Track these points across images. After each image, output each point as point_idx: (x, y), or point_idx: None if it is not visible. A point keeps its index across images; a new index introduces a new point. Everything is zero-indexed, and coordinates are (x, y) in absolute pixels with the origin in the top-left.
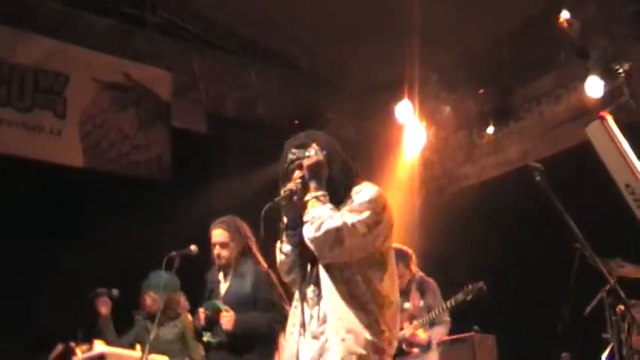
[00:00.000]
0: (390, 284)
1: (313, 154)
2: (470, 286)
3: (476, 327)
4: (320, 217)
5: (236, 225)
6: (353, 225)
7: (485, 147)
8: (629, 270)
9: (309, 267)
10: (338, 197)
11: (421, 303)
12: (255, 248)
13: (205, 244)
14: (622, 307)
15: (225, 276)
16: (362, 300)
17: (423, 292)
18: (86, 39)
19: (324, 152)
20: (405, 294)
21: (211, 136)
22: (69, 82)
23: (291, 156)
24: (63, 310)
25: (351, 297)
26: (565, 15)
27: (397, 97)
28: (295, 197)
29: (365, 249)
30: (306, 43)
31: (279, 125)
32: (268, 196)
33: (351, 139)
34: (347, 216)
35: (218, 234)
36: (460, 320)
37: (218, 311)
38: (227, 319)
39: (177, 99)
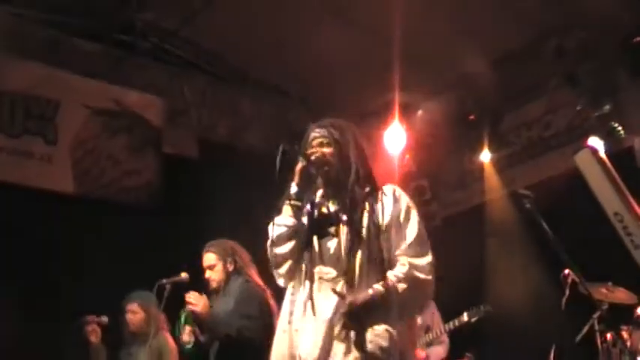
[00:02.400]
0: None
1: None
2: (475, 308)
3: (468, 354)
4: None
5: (225, 247)
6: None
7: (476, 172)
8: (621, 295)
9: (318, 244)
10: (351, 184)
11: (419, 321)
12: (248, 266)
13: (196, 270)
14: (614, 334)
15: (216, 297)
16: None
17: (422, 313)
18: (77, 65)
19: (336, 146)
20: None
21: (202, 161)
22: (60, 108)
23: (314, 133)
24: (54, 336)
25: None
26: (555, 43)
27: (387, 124)
28: (314, 162)
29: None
30: (296, 71)
31: (269, 151)
32: (259, 221)
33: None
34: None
35: (206, 258)
36: (452, 345)
37: (188, 318)
38: (196, 296)
39: (168, 125)
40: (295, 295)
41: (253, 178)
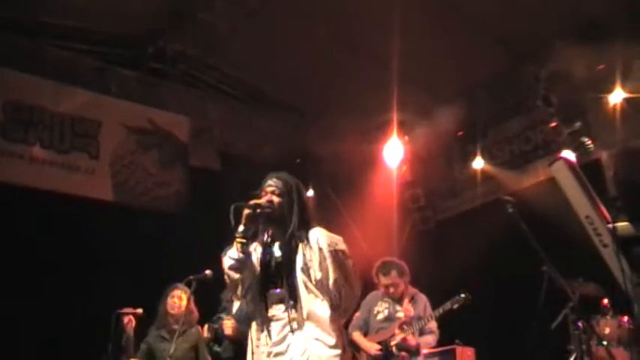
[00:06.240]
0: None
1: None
2: (457, 297)
3: (457, 340)
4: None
5: None
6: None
7: (465, 182)
8: (590, 289)
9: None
10: (290, 232)
11: (412, 312)
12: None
13: (218, 268)
14: (584, 323)
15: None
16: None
17: (414, 304)
18: (117, 90)
19: (284, 196)
20: (398, 302)
21: (224, 173)
22: (102, 127)
23: (270, 182)
24: (95, 326)
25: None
26: (532, 68)
27: (387, 140)
28: (259, 210)
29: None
30: (307, 92)
31: (283, 163)
32: None
33: (347, 175)
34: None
35: (226, 261)
36: (444, 333)
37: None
38: (227, 325)
39: (194, 141)
40: (259, 329)
41: None
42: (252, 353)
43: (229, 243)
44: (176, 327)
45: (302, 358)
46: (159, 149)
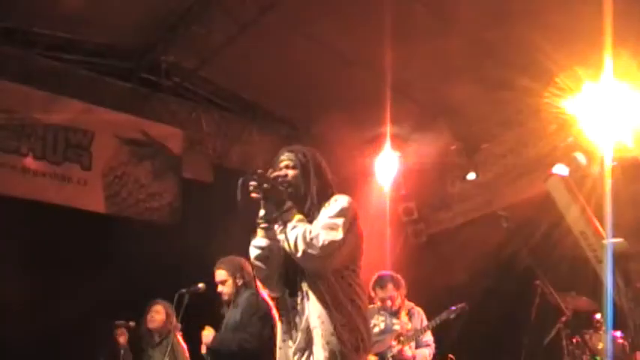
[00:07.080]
0: (361, 290)
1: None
2: (453, 307)
3: (451, 356)
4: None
5: (234, 263)
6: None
7: (457, 196)
8: (583, 303)
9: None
10: (310, 207)
11: (409, 325)
12: (256, 280)
13: (210, 280)
14: (577, 338)
15: (229, 308)
16: (342, 304)
17: (411, 317)
18: (110, 101)
19: (300, 169)
20: (394, 315)
21: (217, 185)
22: (94, 138)
23: (282, 157)
24: (86, 338)
25: (333, 302)
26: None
27: (382, 152)
28: (280, 180)
29: (341, 253)
30: (300, 105)
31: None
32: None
33: (340, 188)
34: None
35: (218, 274)
36: (436, 349)
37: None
38: (206, 334)
39: (187, 153)
40: (284, 322)
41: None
42: (279, 348)
43: (221, 256)
44: (158, 339)
45: (316, 349)
46: (152, 161)
